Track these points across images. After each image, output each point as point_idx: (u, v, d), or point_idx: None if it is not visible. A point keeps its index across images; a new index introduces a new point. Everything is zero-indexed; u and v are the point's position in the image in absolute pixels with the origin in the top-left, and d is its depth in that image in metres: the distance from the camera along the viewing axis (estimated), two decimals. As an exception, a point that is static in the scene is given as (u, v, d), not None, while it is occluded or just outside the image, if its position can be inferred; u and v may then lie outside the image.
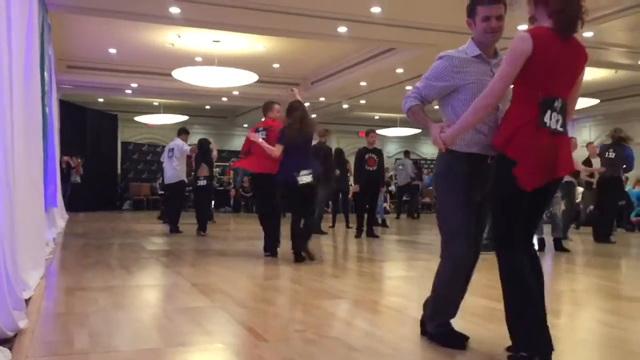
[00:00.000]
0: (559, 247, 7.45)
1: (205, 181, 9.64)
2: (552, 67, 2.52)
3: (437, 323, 2.89)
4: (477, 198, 2.76)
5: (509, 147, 2.56)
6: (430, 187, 20.37)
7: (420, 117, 2.83)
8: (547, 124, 2.50)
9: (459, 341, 2.84)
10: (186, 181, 10.06)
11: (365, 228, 9.33)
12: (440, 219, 2.85)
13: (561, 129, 2.55)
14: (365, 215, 9.44)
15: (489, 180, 2.71)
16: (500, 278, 2.65)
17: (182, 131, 10.21)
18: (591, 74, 14.23)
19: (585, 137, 19.13)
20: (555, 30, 2.51)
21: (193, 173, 9.97)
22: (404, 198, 17.14)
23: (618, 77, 14.40)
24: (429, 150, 25.70)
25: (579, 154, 11.09)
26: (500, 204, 2.64)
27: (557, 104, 2.54)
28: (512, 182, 2.54)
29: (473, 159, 2.73)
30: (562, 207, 7.87)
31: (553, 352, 2.51)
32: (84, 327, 3.10)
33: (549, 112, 2.51)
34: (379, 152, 9.61)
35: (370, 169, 9.35)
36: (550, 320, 3.56)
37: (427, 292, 3.73)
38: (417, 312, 3.60)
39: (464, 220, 2.73)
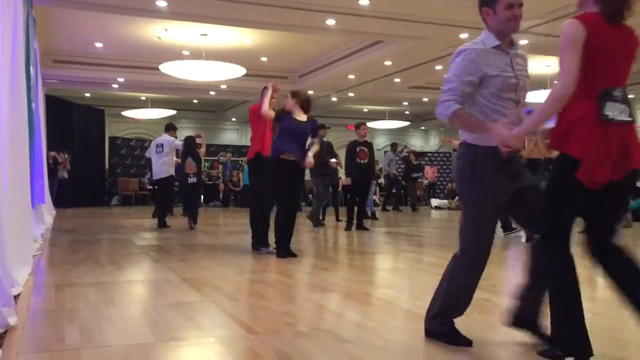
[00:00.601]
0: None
1: (195, 178, 9.73)
2: (607, 55, 2.40)
3: (440, 321, 2.77)
4: (503, 196, 2.65)
5: (566, 144, 2.42)
6: (420, 180, 20.46)
7: (470, 119, 2.62)
8: (610, 116, 2.36)
9: (465, 338, 2.73)
10: (175, 176, 10.12)
11: (355, 221, 9.36)
12: (463, 217, 2.72)
13: (629, 119, 2.41)
14: (355, 208, 9.48)
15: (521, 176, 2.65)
16: (550, 275, 2.57)
17: (171, 127, 10.25)
18: (578, 66, 14.32)
19: (573, 128, 19.27)
20: (603, 16, 2.41)
21: (180, 170, 10.09)
22: (393, 190, 17.19)
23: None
24: (417, 143, 25.79)
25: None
26: (554, 202, 2.51)
27: (617, 93, 2.40)
28: (568, 180, 2.41)
29: (500, 153, 2.58)
30: None
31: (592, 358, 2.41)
32: (75, 323, 3.09)
33: (609, 103, 2.37)
34: (369, 145, 9.65)
35: (362, 161, 9.39)
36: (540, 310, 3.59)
37: (417, 284, 3.76)
38: (408, 304, 3.63)
39: (489, 220, 2.64)
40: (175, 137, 10.06)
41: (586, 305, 3.70)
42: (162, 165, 9.71)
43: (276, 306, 3.66)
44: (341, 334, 2.89)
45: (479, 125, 2.61)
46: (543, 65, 14.12)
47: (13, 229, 3.75)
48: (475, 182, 2.67)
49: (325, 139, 10.71)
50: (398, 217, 13.96)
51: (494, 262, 5.96)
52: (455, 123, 2.63)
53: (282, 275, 4.94)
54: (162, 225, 9.52)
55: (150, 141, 21.32)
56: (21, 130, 4.51)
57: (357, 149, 9.42)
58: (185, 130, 22.31)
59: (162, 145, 9.77)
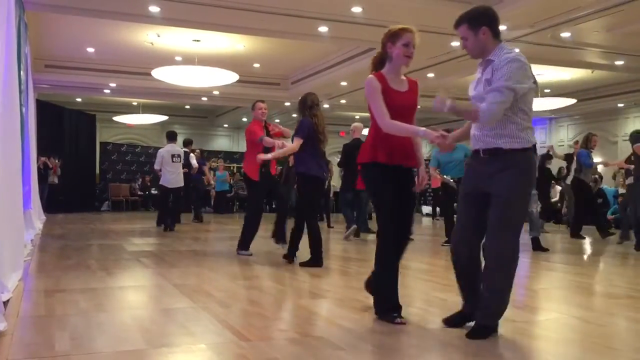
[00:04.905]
0: (537, 246, 7.42)
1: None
2: None
3: None
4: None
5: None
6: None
7: None
8: None
9: None
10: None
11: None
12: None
13: None
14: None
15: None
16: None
17: (175, 136, 10.74)
18: (568, 74, 14.45)
19: (563, 136, 19.40)
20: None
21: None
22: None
23: (594, 77, 14.63)
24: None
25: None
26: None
27: None
28: None
29: None
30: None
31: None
32: (65, 329, 3.07)
33: None
34: None
35: None
36: (530, 318, 3.62)
37: (407, 290, 3.77)
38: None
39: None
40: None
41: (578, 313, 3.73)
42: (179, 175, 10.27)
43: (268, 313, 3.66)
44: (333, 341, 2.89)
45: None
46: (534, 73, 14.20)
47: (4, 234, 3.72)
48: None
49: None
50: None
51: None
52: None
53: (274, 281, 4.93)
54: (171, 229, 10.03)
55: (142, 146, 21.22)
56: (13, 135, 4.49)
57: None
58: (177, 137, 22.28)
59: (179, 156, 10.30)
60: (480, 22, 3.00)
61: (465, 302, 3.17)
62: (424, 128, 3.22)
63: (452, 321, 3.17)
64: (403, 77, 3.47)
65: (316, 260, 5.70)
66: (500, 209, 2.93)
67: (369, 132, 3.42)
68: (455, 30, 3.07)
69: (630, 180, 8.50)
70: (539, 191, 8.32)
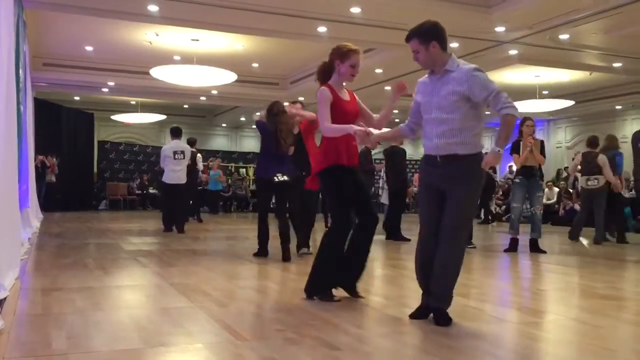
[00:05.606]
0: (535, 248, 7.38)
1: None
2: None
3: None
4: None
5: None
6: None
7: None
8: None
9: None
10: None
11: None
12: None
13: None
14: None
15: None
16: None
17: (181, 132, 10.27)
18: (566, 76, 14.47)
19: (561, 138, 19.44)
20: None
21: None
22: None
23: (593, 79, 14.66)
24: (407, 150, 25.83)
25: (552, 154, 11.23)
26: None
27: None
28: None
29: None
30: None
31: None
32: (62, 328, 3.06)
33: None
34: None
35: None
36: (527, 319, 3.63)
37: (404, 291, 3.78)
38: (395, 311, 3.64)
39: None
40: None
41: (575, 315, 3.74)
42: (181, 172, 9.83)
43: (265, 312, 3.66)
44: (330, 341, 2.89)
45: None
46: (532, 75, 14.25)
47: (1, 233, 3.71)
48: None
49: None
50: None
51: (480, 270, 5.99)
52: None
53: (271, 281, 4.93)
54: (170, 229, 9.68)
55: (140, 145, 21.18)
56: (11, 133, 4.48)
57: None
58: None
59: (182, 152, 9.85)
60: (429, 37, 3.28)
61: (425, 295, 3.35)
62: (350, 125, 3.71)
63: (416, 315, 3.36)
64: (345, 90, 3.98)
65: (261, 252, 6.33)
66: (454, 211, 3.21)
67: (320, 142, 3.91)
68: (407, 43, 3.36)
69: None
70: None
